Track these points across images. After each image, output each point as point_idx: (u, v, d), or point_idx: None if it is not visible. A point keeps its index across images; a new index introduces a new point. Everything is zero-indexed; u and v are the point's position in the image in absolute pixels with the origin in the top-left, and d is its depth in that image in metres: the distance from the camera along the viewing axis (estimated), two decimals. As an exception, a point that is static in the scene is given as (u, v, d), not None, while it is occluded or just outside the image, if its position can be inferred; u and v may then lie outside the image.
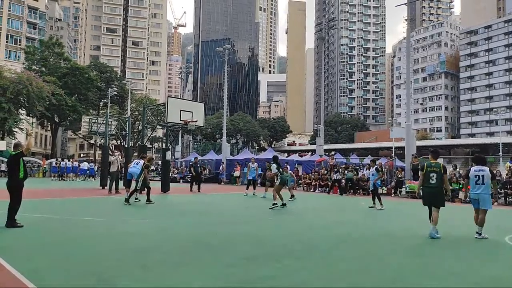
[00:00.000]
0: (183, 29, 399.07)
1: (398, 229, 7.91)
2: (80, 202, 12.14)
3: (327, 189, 20.20)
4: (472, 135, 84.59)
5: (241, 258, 4.63)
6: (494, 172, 17.21)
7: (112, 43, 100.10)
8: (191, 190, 17.85)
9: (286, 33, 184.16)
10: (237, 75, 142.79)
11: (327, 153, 33.76)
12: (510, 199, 15.23)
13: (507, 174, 15.93)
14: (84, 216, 8.37)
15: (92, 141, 47.05)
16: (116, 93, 51.30)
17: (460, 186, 16.20)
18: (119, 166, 15.39)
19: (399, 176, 19.82)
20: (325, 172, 21.97)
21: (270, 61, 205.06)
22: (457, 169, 18.13)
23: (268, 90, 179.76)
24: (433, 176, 6.79)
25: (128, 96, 44.80)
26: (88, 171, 29.44)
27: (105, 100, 50.81)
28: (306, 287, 3.58)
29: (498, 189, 15.64)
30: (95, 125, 21.95)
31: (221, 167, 28.60)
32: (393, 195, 19.20)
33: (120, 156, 15.61)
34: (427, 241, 6.35)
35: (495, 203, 15.13)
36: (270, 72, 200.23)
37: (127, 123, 22.28)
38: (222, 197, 16.05)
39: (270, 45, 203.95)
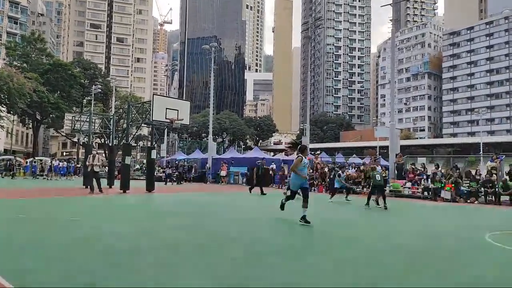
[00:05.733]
0: (169, 26, 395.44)
1: (388, 227, 8.02)
2: (64, 201, 11.94)
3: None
4: (454, 135, 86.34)
5: (229, 258, 4.63)
6: (474, 171, 17.60)
7: (96, 39, 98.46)
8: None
9: (273, 31, 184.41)
10: (224, 73, 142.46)
11: (312, 152, 33.98)
12: (490, 198, 15.61)
13: (487, 174, 16.32)
14: (68, 216, 8.23)
15: (75, 139, 46.29)
16: (100, 90, 50.50)
17: (442, 185, 16.53)
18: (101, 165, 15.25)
19: (383, 175, 20.07)
20: (310, 171, 22.10)
21: (256, 59, 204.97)
22: (439, 168, 18.48)
23: (254, 89, 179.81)
24: None
25: (112, 93, 44.17)
26: (67, 170, 29.22)
27: (89, 98, 50.00)
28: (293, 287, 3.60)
29: (478, 188, 16.06)
30: (78, 123, 21.57)
31: (206, 166, 28.51)
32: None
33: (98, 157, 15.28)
34: (419, 240, 6.46)
35: (476, 202, 15.53)
36: (256, 70, 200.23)
37: (111, 121, 21.96)
38: (209, 196, 16.00)
39: (257, 43, 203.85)
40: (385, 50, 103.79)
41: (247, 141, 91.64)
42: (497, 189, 15.47)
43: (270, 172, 25.13)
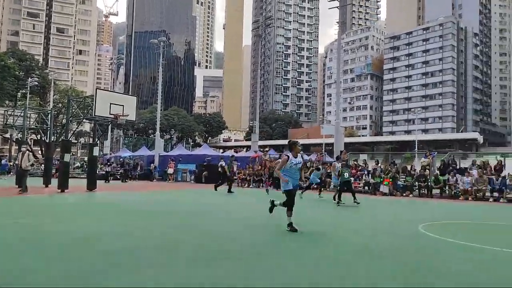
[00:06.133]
0: (115, 18, 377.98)
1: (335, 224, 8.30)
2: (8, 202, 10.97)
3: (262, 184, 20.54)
4: (392, 133, 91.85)
5: (183, 258, 4.53)
6: (409, 167, 18.81)
7: (34, 29, 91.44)
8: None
9: (224, 28, 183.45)
10: (173, 69, 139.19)
11: (261, 149, 34.36)
12: (423, 191, 16.80)
13: (421, 169, 17.55)
14: (13, 217, 7.57)
15: (7, 136, 42.68)
16: (36, 83, 47.02)
17: (381, 179, 17.50)
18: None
19: (328, 171, 20.81)
20: (259, 167, 22.35)
21: (207, 56, 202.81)
22: (379, 164, 19.55)
23: (204, 85, 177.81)
24: None
25: (50, 86, 41.37)
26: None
27: (24, 91, 46.37)
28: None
29: (413, 182, 17.23)
30: (12, 118, 20.01)
31: (151, 165, 27.70)
32: (322, 189, 20.08)
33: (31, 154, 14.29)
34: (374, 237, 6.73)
35: (410, 195, 16.63)
36: (206, 67, 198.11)
37: (49, 116, 20.57)
38: (153, 195, 15.56)
39: (208, 40, 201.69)
40: (332, 51, 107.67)
41: (196, 138, 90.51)
42: (429, 183, 16.71)
43: (219, 169, 25.01)
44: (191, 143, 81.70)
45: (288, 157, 6.30)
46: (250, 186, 21.72)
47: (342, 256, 4.80)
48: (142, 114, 74.72)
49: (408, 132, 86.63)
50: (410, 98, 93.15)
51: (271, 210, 7.02)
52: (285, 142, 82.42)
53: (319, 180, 15.35)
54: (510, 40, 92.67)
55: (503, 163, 16.96)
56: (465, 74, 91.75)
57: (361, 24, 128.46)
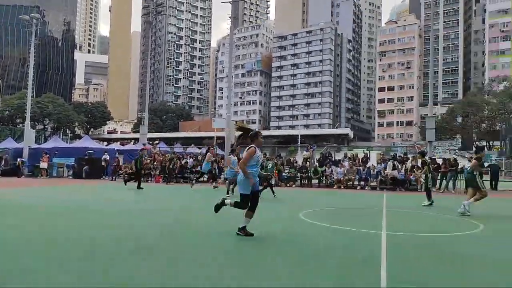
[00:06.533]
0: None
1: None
2: None
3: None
4: (279, 128, 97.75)
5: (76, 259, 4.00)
6: (293, 159, 20.22)
7: None
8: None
9: (110, 11, 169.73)
10: (48, 50, 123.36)
11: (150, 142, 33.07)
12: (304, 181, 18.27)
13: (302, 161, 19.04)
14: None
15: None
16: None
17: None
18: None
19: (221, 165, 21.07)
20: (148, 161, 21.43)
21: (89, 39, 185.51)
22: (267, 157, 20.56)
23: (86, 71, 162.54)
24: None
25: None
26: None
27: None
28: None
29: (296, 174, 18.59)
30: None
31: (18, 159, 24.24)
32: (211, 181, 20.25)
33: None
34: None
35: (293, 185, 17.92)
36: (89, 51, 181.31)
37: None
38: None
39: (91, 22, 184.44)
40: (224, 46, 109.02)
41: (76, 129, 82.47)
42: (309, 174, 18.26)
43: (103, 163, 23.25)
44: (69, 135, 74.05)
45: (255, 149, 5.40)
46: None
47: (245, 243, 4.89)
48: (8, 100, 64.79)
49: (292, 127, 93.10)
50: (295, 95, 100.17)
51: (217, 209, 5.87)
52: (176, 135, 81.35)
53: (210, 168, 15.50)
54: (376, 48, 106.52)
55: (368, 156, 19.49)
56: (340, 76, 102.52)
57: (252, 22, 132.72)
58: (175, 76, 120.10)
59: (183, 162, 21.13)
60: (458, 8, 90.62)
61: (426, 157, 12.15)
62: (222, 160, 21.91)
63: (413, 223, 7.54)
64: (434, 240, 5.67)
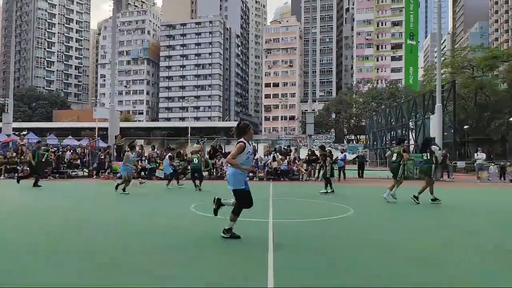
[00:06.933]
0: None
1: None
2: None
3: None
4: (168, 119, 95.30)
5: None
6: (183, 151, 19.97)
7: None
8: None
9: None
10: None
11: (17, 133, 28.96)
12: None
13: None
14: None
15: None
16: None
17: (157, 164, 17.91)
18: None
19: (102, 157, 19.63)
20: (14, 154, 18.71)
21: None
22: (155, 150, 19.91)
23: None
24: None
25: None
26: None
27: None
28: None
29: (186, 166, 18.44)
30: None
31: None
32: (94, 176, 18.81)
33: None
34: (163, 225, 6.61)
35: (184, 178, 17.76)
36: None
37: None
38: None
39: None
40: (106, 29, 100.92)
41: None
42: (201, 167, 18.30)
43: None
44: None
45: (245, 144, 4.96)
46: (1, 177, 17.88)
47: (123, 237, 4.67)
48: None
49: (182, 119, 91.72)
50: (184, 87, 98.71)
51: (216, 211, 5.27)
52: (50, 125, 72.72)
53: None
54: (262, 45, 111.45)
55: (256, 148, 20.46)
56: (229, 70, 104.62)
57: (137, 6, 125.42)
58: (47, 59, 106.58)
59: (58, 154, 19.02)
60: (332, 15, 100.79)
61: (327, 150, 13.08)
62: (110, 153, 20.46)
63: (296, 210, 8.27)
64: (312, 224, 6.34)
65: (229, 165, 5.03)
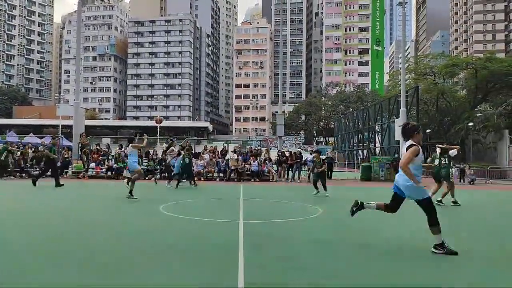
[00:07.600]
0: None
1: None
2: None
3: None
4: (136, 118, 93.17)
5: None
6: (152, 151, 19.62)
7: None
8: None
9: None
10: None
11: (-28, 129, 27.29)
12: (164, 174, 17.95)
13: (162, 153, 18.66)
14: None
15: None
16: None
17: (125, 164, 17.44)
18: None
19: (66, 156, 18.91)
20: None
21: None
22: (123, 149, 19.39)
23: None
24: None
25: None
26: None
27: None
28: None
29: (155, 166, 18.12)
30: None
31: None
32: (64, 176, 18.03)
33: None
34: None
35: (153, 178, 17.43)
36: None
37: None
38: None
39: None
40: (70, 23, 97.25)
41: None
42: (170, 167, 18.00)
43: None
44: None
45: (419, 148, 4.42)
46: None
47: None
48: None
49: (151, 118, 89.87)
50: (153, 85, 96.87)
51: (354, 212, 4.98)
52: (9, 121, 69.23)
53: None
54: (233, 46, 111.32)
55: (227, 149, 20.41)
56: (199, 69, 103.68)
57: (104, 1, 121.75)
58: (6, 52, 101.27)
59: (19, 154, 18.15)
60: (302, 18, 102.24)
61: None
62: (70, 152, 19.74)
63: (266, 211, 8.33)
64: (282, 225, 6.42)
65: (400, 172, 4.45)
